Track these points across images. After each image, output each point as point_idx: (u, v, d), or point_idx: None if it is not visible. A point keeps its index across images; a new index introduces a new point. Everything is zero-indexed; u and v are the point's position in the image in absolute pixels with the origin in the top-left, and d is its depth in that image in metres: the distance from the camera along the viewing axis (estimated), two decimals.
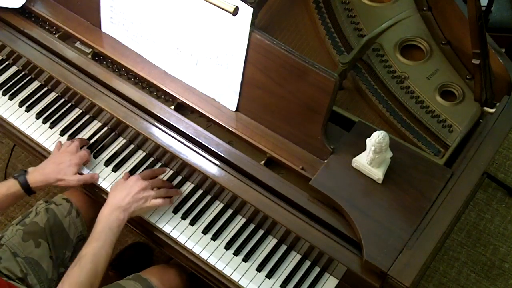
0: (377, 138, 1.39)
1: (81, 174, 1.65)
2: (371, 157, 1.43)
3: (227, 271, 1.53)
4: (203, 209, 1.62)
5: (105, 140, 1.73)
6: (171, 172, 1.68)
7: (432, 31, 1.78)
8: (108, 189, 1.65)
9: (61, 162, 1.62)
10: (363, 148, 1.46)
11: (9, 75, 1.87)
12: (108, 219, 1.49)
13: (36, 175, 1.61)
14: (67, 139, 1.73)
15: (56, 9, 1.83)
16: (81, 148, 1.68)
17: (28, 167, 2.35)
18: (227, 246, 1.56)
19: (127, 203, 1.52)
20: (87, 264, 1.43)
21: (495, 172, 2.56)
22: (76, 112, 1.79)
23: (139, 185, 1.55)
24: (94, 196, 1.70)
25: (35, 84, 1.85)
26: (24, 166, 2.54)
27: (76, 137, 1.74)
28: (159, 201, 1.57)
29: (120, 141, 1.73)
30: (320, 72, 1.42)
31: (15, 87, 1.84)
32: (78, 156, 1.64)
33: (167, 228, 1.59)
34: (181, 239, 1.57)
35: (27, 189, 1.60)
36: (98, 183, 1.66)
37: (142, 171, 1.68)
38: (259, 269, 1.53)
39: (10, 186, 1.59)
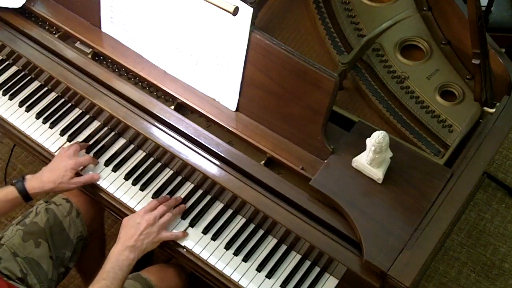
0: (377, 138, 1.39)
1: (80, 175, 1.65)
2: (371, 157, 1.43)
3: (227, 271, 1.53)
4: (203, 209, 1.62)
5: (105, 140, 1.73)
6: (171, 172, 1.68)
7: (432, 31, 1.78)
8: (108, 189, 1.65)
9: (56, 168, 1.62)
10: (363, 148, 1.46)
11: (9, 75, 1.87)
12: (118, 259, 1.46)
13: (33, 183, 1.61)
14: (67, 140, 1.73)
15: (56, 9, 1.83)
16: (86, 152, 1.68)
17: (28, 167, 2.36)
18: (227, 246, 1.56)
19: (137, 241, 1.49)
20: None
21: (495, 172, 2.56)
22: (76, 112, 1.79)
23: (146, 220, 1.52)
24: (95, 196, 1.70)
25: (35, 84, 1.85)
26: (24, 166, 2.54)
27: (76, 139, 1.73)
28: (169, 234, 1.55)
29: (120, 141, 1.73)
30: (320, 72, 1.42)
31: (15, 87, 1.84)
32: (75, 162, 1.62)
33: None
34: (181, 239, 1.57)
35: (25, 196, 1.60)
36: (98, 183, 1.66)
37: (142, 172, 1.68)
38: (259, 269, 1.53)
39: (8, 192, 1.59)
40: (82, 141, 1.72)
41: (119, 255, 1.47)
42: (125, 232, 1.51)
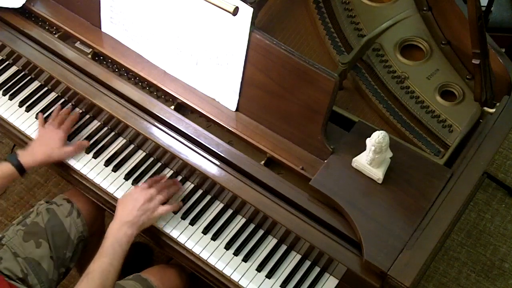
0: (377, 138, 1.39)
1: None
2: (371, 157, 1.43)
3: (227, 271, 1.53)
4: (203, 209, 1.62)
5: (105, 140, 1.73)
6: (171, 172, 1.68)
7: (432, 31, 1.78)
8: (109, 189, 1.65)
9: (46, 141, 1.66)
10: (363, 148, 1.46)
11: (9, 75, 1.87)
12: (116, 235, 1.47)
13: (26, 157, 1.63)
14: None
15: (56, 9, 1.83)
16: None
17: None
18: (227, 246, 1.56)
19: (135, 217, 1.50)
20: (94, 280, 1.40)
21: (495, 172, 2.56)
22: (76, 112, 1.79)
23: (144, 196, 1.53)
24: (95, 196, 1.70)
25: (35, 84, 1.85)
26: None
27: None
28: (166, 207, 1.56)
29: (120, 141, 1.73)
30: (320, 72, 1.42)
31: (15, 87, 1.84)
32: (61, 130, 1.67)
33: (167, 228, 1.59)
34: (181, 239, 1.57)
35: (21, 170, 1.63)
36: (98, 183, 1.66)
37: (142, 172, 1.68)
38: (259, 269, 1.53)
39: (4, 168, 1.62)
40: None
41: (117, 231, 1.47)
42: (122, 209, 1.53)
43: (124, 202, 1.55)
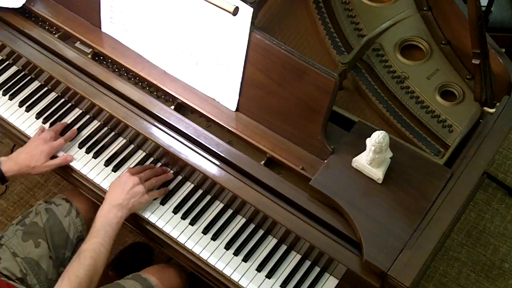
0: (377, 138, 1.39)
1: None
2: (371, 157, 1.43)
3: (227, 271, 1.53)
4: (203, 209, 1.62)
5: (105, 140, 1.73)
6: (171, 172, 1.68)
7: (432, 31, 1.78)
8: None
9: (33, 152, 1.64)
10: (363, 148, 1.46)
11: (9, 75, 1.87)
12: (107, 217, 1.51)
13: (9, 165, 1.63)
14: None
15: (56, 9, 1.83)
16: (62, 133, 1.72)
17: None
18: (227, 246, 1.56)
19: (124, 200, 1.54)
20: (86, 259, 1.43)
21: (495, 172, 2.56)
22: (76, 112, 1.79)
23: (132, 180, 1.57)
24: (94, 196, 1.70)
25: (35, 84, 1.85)
26: None
27: (76, 138, 1.73)
28: (154, 192, 1.60)
29: (120, 141, 1.73)
30: (320, 72, 1.42)
31: (15, 87, 1.84)
32: (50, 145, 1.65)
33: (167, 228, 1.59)
34: (181, 239, 1.57)
35: (2, 178, 1.62)
36: (98, 183, 1.66)
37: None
38: (259, 269, 1.53)
39: None
40: (81, 141, 1.73)
41: (108, 213, 1.52)
42: (111, 192, 1.56)
43: (113, 186, 1.58)
